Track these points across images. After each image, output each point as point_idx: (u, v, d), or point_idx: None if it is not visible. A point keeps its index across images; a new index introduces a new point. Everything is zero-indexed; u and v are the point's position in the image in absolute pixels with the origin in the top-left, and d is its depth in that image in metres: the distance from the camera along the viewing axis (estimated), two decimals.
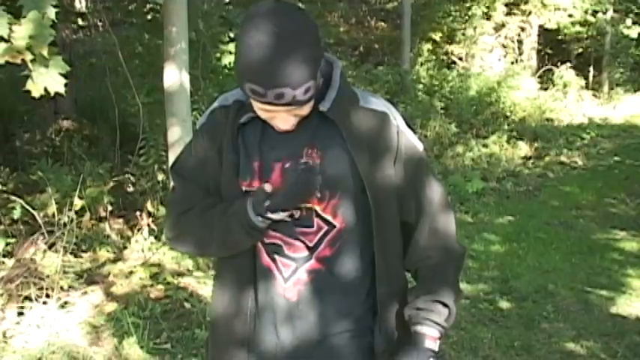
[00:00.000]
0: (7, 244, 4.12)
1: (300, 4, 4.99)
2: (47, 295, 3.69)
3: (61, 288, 3.83)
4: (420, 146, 1.49)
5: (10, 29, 2.47)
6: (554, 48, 15.69)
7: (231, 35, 6.92)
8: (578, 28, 14.66)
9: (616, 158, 9.54)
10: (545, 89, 13.38)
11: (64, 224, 4.11)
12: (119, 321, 3.63)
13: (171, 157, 4.83)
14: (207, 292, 4.07)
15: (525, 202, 7.11)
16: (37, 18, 2.52)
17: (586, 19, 14.61)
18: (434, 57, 13.17)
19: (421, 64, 12.25)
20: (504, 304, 4.21)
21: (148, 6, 6.57)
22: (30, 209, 4.20)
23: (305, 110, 1.35)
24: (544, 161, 9.06)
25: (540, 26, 15.16)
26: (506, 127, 10.08)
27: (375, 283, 1.45)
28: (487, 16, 14.17)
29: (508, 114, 10.89)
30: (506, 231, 5.91)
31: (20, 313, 3.60)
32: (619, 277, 4.74)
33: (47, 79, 2.60)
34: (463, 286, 4.11)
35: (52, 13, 2.57)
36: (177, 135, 4.76)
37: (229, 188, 1.42)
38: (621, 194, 7.27)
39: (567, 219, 6.35)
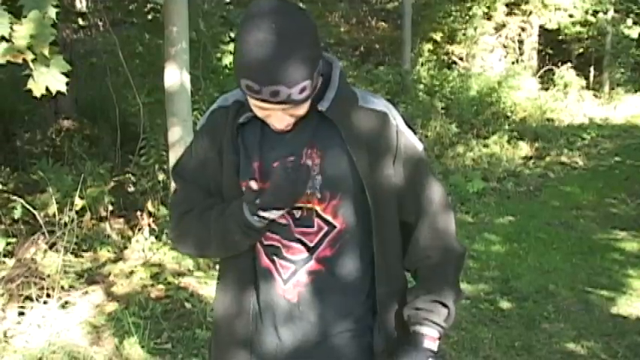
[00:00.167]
0: (8, 243, 4.12)
1: (300, 4, 4.98)
2: (48, 295, 3.70)
3: (62, 288, 3.83)
4: (420, 146, 1.49)
5: (11, 29, 2.47)
6: (554, 48, 15.68)
7: (232, 35, 6.92)
8: (578, 28, 14.65)
9: (617, 158, 9.54)
10: (546, 89, 13.37)
11: (65, 224, 4.11)
12: (120, 321, 3.63)
13: (172, 157, 4.83)
14: (208, 292, 4.07)
15: (526, 202, 7.11)
16: (38, 17, 2.52)
17: (587, 19, 14.60)
18: (434, 57, 13.17)
19: (422, 64, 12.25)
20: (505, 305, 4.21)
21: (149, 6, 6.57)
22: (31, 209, 4.20)
23: (301, 110, 1.34)
24: (545, 161, 9.06)
25: (541, 26, 15.15)
26: (506, 127, 10.08)
27: (374, 283, 1.45)
28: (488, 16, 14.16)
29: (509, 114, 10.89)
30: (507, 231, 5.91)
31: (21, 313, 3.60)
32: (620, 278, 4.74)
33: (48, 79, 2.61)
34: (464, 286, 4.11)
35: (52, 12, 2.57)
36: (178, 135, 4.76)
37: (230, 188, 1.42)
38: (622, 194, 7.27)
39: (568, 219, 6.34)
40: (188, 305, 3.95)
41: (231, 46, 6.93)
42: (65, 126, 7.37)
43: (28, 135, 7.13)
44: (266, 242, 1.43)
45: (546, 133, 10.32)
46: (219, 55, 6.92)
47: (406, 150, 1.45)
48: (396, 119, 1.45)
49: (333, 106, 1.37)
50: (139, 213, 5.07)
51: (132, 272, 4.32)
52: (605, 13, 14.83)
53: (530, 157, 9.24)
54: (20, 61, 2.55)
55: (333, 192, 1.39)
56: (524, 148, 9.51)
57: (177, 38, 4.66)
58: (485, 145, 9.17)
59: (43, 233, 4.06)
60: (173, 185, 1.54)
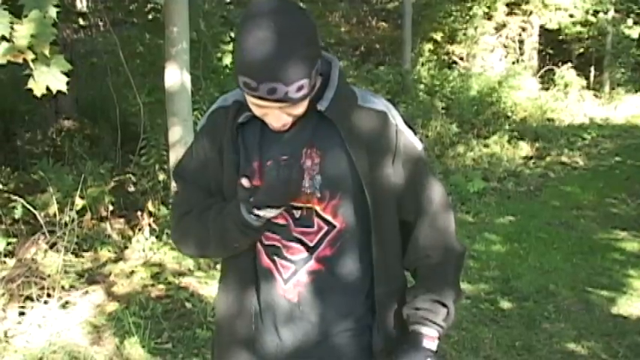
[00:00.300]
0: (9, 243, 4.13)
1: (300, 4, 4.99)
2: (48, 295, 3.70)
3: (62, 288, 3.83)
4: (419, 146, 1.48)
5: (12, 28, 2.48)
6: (555, 48, 15.68)
7: (233, 35, 6.92)
8: (579, 28, 14.64)
9: (617, 158, 9.53)
10: (547, 89, 13.37)
11: (65, 224, 4.11)
12: (120, 321, 3.64)
13: (172, 157, 4.84)
14: (209, 292, 4.07)
15: (526, 202, 7.11)
16: (39, 17, 2.53)
17: (587, 19, 14.59)
18: (435, 57, 13.17)
19: (422, 64, 12.25)
20: (505, 304, 4.21)
21: (149, 6, 6.58)
22: (31, 209, 4.21)
23: (299, 109, 1.34)
24: (545, 161, 9.06)
25: (541, 26, 15.15)
26: (507, 127, 10.08)
27: (374, 283, 1.45)
28: (488, 16, 14.16)
29: (509, 114, 10.89)
30: (508, 231, 5.90)
31: (21, 313, 3.60)
32: (620, 278, 4.73)
33: (49, 78, 2.61)
34: (464, 286, 4.12)
35: (53, 12, 2.58)
36: (179, 135, 4.76)
37: (230, 188, 1.42)
38: (622, 194, 7.27)
39: (568, 219, 6.34)
40: (188, 305, 3.95)
41: (231, 46, 6.93)
42: (66, 126, 7.38)
43: (29, 135, 7.14)
44: (266, 242, 1.43)
45: (547, 133, 10.32)
46: (219, 55, 6.92)
47: (405, 149, 1.44)
48: (396, 119, 1.45)
49: (333, 106, 1.37)
50: (139, 213, 5.07)
51: (132, 272, 4.32)
52: (606, 13, 14.83)
53: (531, 157, 9.23)
54: (21, 60, 2.55)
55: (332, 192, 1.39)
56: (525, 148, 9.51)
57: (178, 38, 4.67)
58: (486, 145, 9.17)
59: (44, 233, 4.06)
60: (173, 185, 1.55)
